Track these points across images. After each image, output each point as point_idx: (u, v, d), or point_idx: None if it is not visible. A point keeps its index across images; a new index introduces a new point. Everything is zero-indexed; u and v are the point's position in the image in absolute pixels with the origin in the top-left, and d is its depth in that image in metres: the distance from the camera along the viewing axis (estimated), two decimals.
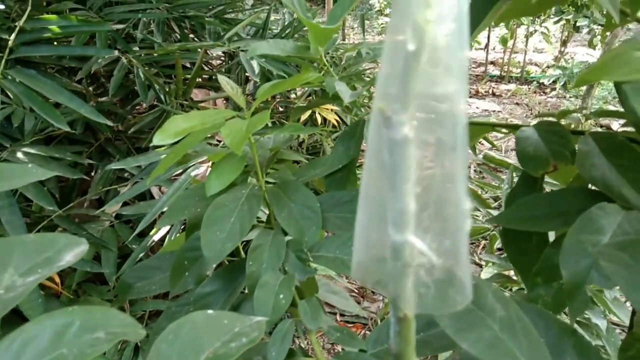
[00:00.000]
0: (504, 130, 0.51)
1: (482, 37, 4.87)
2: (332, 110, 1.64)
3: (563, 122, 0.44)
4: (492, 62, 5.41)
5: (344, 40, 4.18)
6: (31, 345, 0.21)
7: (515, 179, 0.51)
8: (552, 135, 0.40)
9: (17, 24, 1.09)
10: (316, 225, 0.46)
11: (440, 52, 0.12)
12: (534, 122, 0.45)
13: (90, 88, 1.58)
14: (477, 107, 4.11)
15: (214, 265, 0.45)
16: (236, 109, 1.74)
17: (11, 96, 1.05)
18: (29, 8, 1.14)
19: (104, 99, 1.53)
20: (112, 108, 1.50)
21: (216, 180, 0.48)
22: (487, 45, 5.03)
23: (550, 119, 0.45)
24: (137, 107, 1.65)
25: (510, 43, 4.47)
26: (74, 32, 1.14)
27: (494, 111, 4.05)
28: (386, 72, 0.13)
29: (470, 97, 4.28)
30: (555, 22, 4.15)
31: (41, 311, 0.82)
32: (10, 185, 0.39)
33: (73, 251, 0.28)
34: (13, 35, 1.05)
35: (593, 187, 0.35)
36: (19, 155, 1.04)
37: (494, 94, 4.57)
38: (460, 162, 0.13)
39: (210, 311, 0.27)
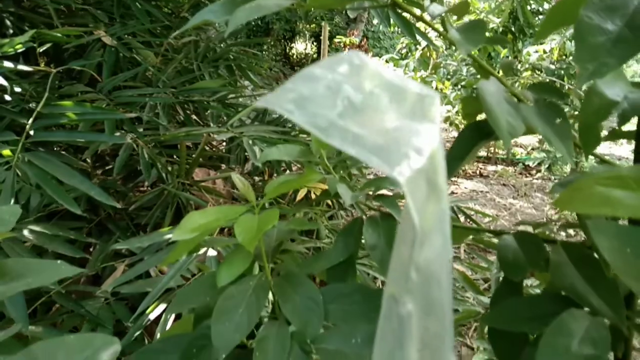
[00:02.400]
0: (488, 235, 0.57)
1: None
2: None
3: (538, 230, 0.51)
4: None
5: None
6: None
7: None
8: (529, 245, 0.45)
9: (33, 107, 1.17)
10: (318, 318, 0.50)
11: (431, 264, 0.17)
12: (515, 229, 0.51)
13: (96, 165, 1.65)
14: (465, 187, 4.23)
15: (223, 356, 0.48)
16: (240, 198, 1.80)
17: (19, 173, 1.10)
18: (47, 94, 1.23)
19: (109, 178, 1.59)
20: (115, 186, 1.56)
21: (227, 272, 0.52)
22: None
23: (529, 228, 0.51)
24: (138, 185, 1.71)
25: None
26: (89, 120, 1.22)
27: (481, 191, 4.17)
28: (394, 266, 0.18)
29: (459, 177, 4.41)
30: None
31: None
32: (43, 280, 0.43)
33: (108, 350, 0.32)
34: (31, 120, 1.12)
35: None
36: (25, 232, 1.08)
37: (481, 175, 4.73)
38: (449, 330, 0.18)
39: None
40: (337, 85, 0.20)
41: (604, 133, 0.42)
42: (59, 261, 0.44)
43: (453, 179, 4.19)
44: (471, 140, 0.43)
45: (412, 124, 0.18)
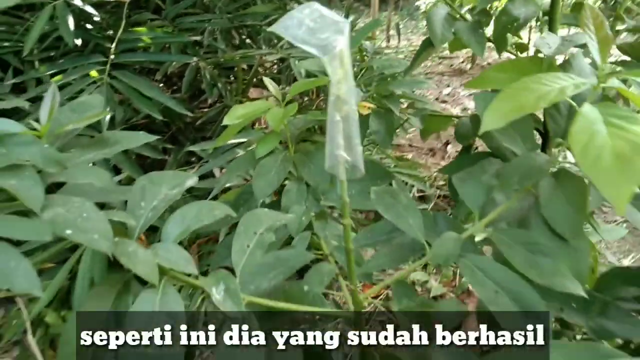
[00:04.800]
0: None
1: None
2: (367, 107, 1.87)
3: None
4: None
5: (388, 42, 4.38)
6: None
7: None
8: (476, 120, 0.62)
9: (110, 34, 1.40)
10: (326, 180, 0.71)
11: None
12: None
13: (165, 85, 1.90)
14: None
15: (260, 201, 0.70)
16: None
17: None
18: (124, 21, 1.45)
19: (177, 96, 1.84)
20: (183, 104, 1.81)
21: (262, 148, 0.73)
22: None
23: None
24: (202, 102, 1.96)
25: None
26: (160, 42, 1.44)
27: None
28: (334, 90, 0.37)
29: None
30: None
31: None
32: (131, 144, 0.64)
33: (192, 180, 0.53)
34: (114, 45, 1.36)
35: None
36: None
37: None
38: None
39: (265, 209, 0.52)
40: (302, 18, 0.38)
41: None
42: (140, 132, 0.66)
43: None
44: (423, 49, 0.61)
45: (334, 35, 0.36)
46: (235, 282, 0.40)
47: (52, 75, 1.28)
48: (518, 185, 0.49)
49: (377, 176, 0.72)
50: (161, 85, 1.95)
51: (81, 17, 1.41)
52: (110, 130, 1.44)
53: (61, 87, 1.27)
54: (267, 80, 0.76)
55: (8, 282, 0.31)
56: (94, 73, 1.33)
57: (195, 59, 1.47)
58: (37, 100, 1.19)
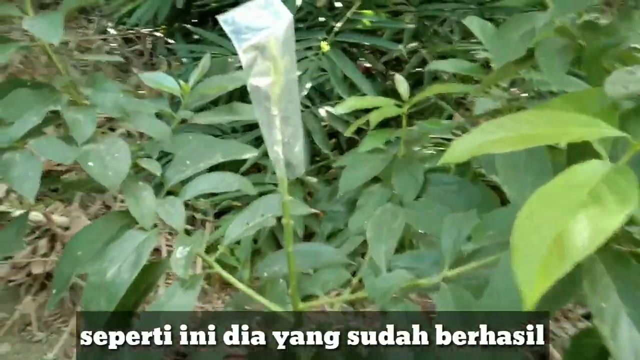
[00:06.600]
0: None
1: None
2: None
3: None
4: None
5: None
6: None
7: None
8: None
9: (341, 14, 1.51)
10: (414, 189, 0.65)
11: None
12: None
13: (392, 68, 1.96)
14: None
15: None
16: None
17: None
18: (358, 2, 1.55)
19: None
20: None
21: (368, 143, 0.72)
22: None
23: None
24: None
25: None
26: (380, 27, 1.50)
27: None
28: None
29: None
30: None
31: None
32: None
33: (251, 152, 0.58)
34: (340, 24, 1.47)
35: None
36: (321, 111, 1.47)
37: None
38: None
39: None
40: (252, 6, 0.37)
41: None
42: None
43: None
44: None
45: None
46: (198, 251, 0.44)
47: None
48: None
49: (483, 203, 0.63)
50: (393, 67, 2.02)
51: None
52: (324, 102, 1.59)
53: None
54: (398, 78, 0.73)
55: (19, 185, 0.43)
56: (324, 45, 1.44)
57: (400, 46, 1.47)
58: None
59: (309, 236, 1.20)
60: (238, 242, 1.15)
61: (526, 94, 0.73)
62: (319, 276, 0.51)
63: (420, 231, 0.60)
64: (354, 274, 0.54)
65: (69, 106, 0.51)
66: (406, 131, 0.71)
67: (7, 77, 1.49)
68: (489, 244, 0.44)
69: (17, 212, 1.12)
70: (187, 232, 0.48)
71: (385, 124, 0.78)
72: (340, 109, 0.71)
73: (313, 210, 0.55)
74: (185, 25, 1.70)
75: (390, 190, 0.68)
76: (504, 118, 0.31)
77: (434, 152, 0.73)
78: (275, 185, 1.05)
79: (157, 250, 1.17)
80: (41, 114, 0.48)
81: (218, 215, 1.35)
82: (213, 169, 0.54)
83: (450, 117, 1.54)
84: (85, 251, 0.44)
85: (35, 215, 1.13)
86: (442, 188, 0.66)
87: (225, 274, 0.46)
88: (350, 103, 0.70)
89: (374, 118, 0.67)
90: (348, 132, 0.73)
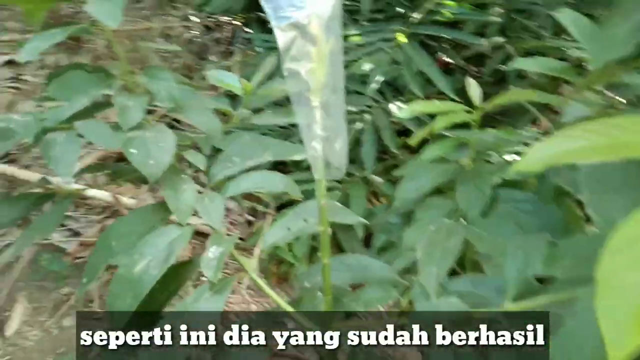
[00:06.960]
0: None
1: None
2: None
3: None
4: None
5: None
6: None
7: None
8: None
9: (420, 4, 1.42)
10: (480, 203, 0.58)
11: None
12: None
13: (473, 63, 1.83)
14: None
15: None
16: None
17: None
18: None
19: (480, 77, 1.76)
20: (482, 86, 1.71)
21: (430, 152, 0.65)
22: None
23: None
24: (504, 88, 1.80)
25: None
26: (462, 19, 1.39)
27: None
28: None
29: None
30: None
31: None
32: None
33: (300, 154, 0.54)
34: (419, 15, 1.39)
35: None
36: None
37: None
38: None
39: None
40: None
41: None
42: None
43: None
44: None
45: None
46: (230, 252, 0.41)
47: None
48: None
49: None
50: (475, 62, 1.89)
51: None
52: (397, 97, 1.52)
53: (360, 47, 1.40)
54: (469, 81, 0.66)
55: (55, 164, 0.42)
56: (401, 37, 1.37)
57: (484, 41, 1.36)
58: None
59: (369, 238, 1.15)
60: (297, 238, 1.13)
61: (625, 101, 0.63)
62: (364, 292, 0.46)
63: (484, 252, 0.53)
64: (404, 293, 0.48)
65: (121, 91, 0.50)
66: (477, 140, 0.64)
67: (92, 59, 1.56)
68: (563, 277, 0.37)
69: (90, 192, 1.17)
70: (249, 223, 0.45)
71: (459, 125, 0.71)
72: (402, 114, 0.65)
73: (362, 220, 0.50)
74: (260, 14, 1.70)
75: (453, 204, 0.61)
76: (594, 122, 0.24)
77: (508, 163, 0.65)
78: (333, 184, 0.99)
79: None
80: (91, 96, 0.47)
81: (280, 208, 1.34)
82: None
83: (535, 121, 1.42)
84: (119, 242, 0.43)
85: (106, 196, 1.17)
86: (513, 205, 0.58)
87: (258, 280, 0.43)
88: (414, 108, 0.64)
89: (438, 125, 0.60)
90: (413, 142, 0.67)
